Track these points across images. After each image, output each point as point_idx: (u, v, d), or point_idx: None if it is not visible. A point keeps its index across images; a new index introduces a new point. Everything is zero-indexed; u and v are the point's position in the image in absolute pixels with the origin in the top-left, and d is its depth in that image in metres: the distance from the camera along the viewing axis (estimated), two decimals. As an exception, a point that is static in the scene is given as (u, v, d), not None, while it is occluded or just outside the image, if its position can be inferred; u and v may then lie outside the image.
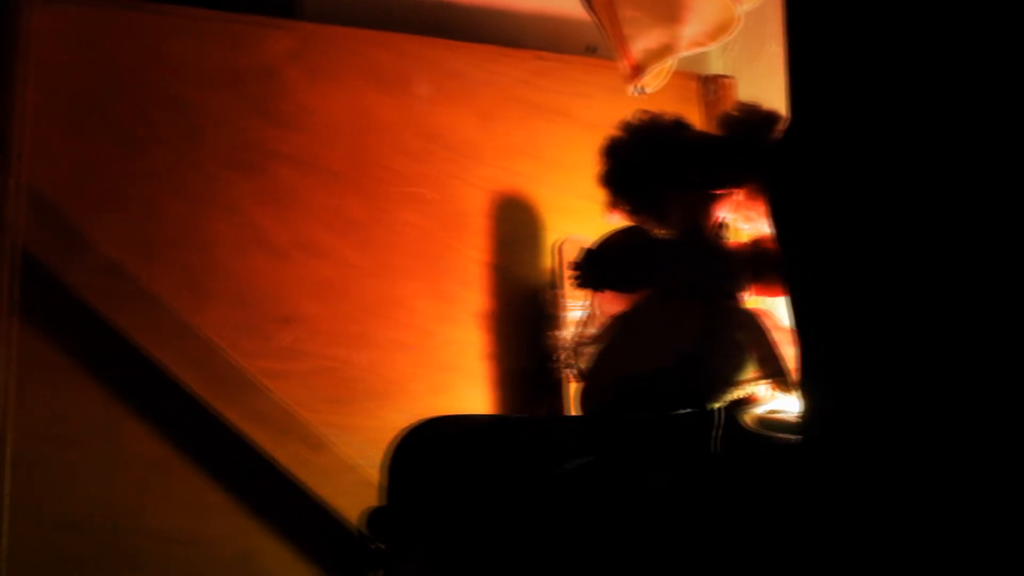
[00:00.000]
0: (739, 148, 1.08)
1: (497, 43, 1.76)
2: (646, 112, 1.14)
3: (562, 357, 1.53)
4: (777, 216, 0.93)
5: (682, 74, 1.75)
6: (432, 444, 1.10)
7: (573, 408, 1.54)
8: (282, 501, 1.46)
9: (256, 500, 1.46)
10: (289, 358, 1.51)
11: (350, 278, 1.57)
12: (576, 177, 1.72)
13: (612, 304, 1.11)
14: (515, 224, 1.68)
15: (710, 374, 1.03)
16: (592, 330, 1.13)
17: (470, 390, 1.59)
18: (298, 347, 1.52)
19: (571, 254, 1.59)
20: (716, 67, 1.94)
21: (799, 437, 1.04)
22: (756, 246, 1.12)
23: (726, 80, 1.83)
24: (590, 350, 1.11)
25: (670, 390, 1.03)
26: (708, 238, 1.10)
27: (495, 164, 1.69)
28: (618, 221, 1.16)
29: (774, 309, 1.11)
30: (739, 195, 1.11)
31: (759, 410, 1.09)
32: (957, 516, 0.68)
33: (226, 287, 1.49)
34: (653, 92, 1.59)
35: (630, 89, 1.58)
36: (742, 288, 1.09)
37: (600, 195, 1.71)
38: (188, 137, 1.50)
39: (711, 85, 1.84)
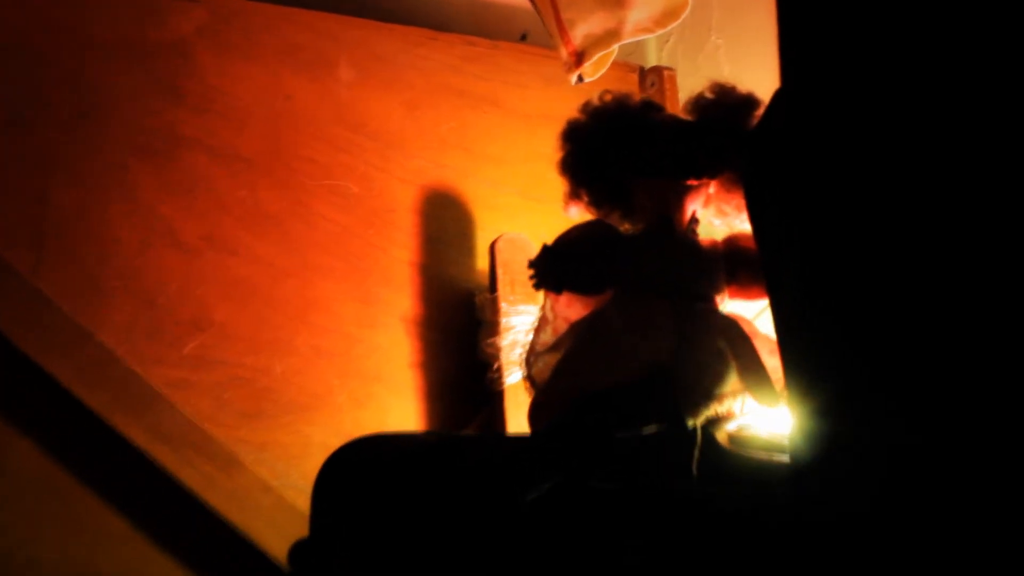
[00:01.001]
0: (714, 133, 0.97)
1: (425, 26, 1.63)
2: (609, 92, 1.03)
3: (504, 366, 1.41)
4: (755, 210, 0.83)
5: (620, 65, 1.66)
6: (367, 468, 0.97)
7: (508, 423, 1.42)
8: (190, 527, 1.31)
9: (161, 526, 1.30)
10: (197, 367, 1.36)
11: (265, 278, 1.42)
12: (510, 171, 1.61)
13: (571, 308, 0.99)
14: (445, 221, 1.56)
15: (687, 387, 0.92)
16: (548, 337, 1.01)
17: (397, 402, 1.46)
18: (208, 355, 1.37)
19: (506, 253, 1.48)
20: (653, 58, 1.85)
21: (783, 458, 0.95)
22: (732, 244, 1.02)
23: (667, 72, 1.73)
24: (547, 360, 0.99)
25: (641, 405, 0.92)
26: (680, 234, 0.99)
27: (423, 156, 1.56)
28: (579, 215, 1.04)
29: (750, 314, 1.00)
30: (713, 186, 1.01)
31: (732, 426, 0.99)
32: (961, 545, 0.62)
33: (127, 287, 1.33)
34: (593, 81, 1.49)
35: (571, 78, 1.48)
36: (718, 291, 0.98)
37: (537, 190, 1.63)
38: (85, 117, 1.34)
39: (651, 77, 1.74)
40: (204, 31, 1.46)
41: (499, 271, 1.47)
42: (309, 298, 1.44)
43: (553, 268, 0.97)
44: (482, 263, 1.53)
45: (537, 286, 0.97)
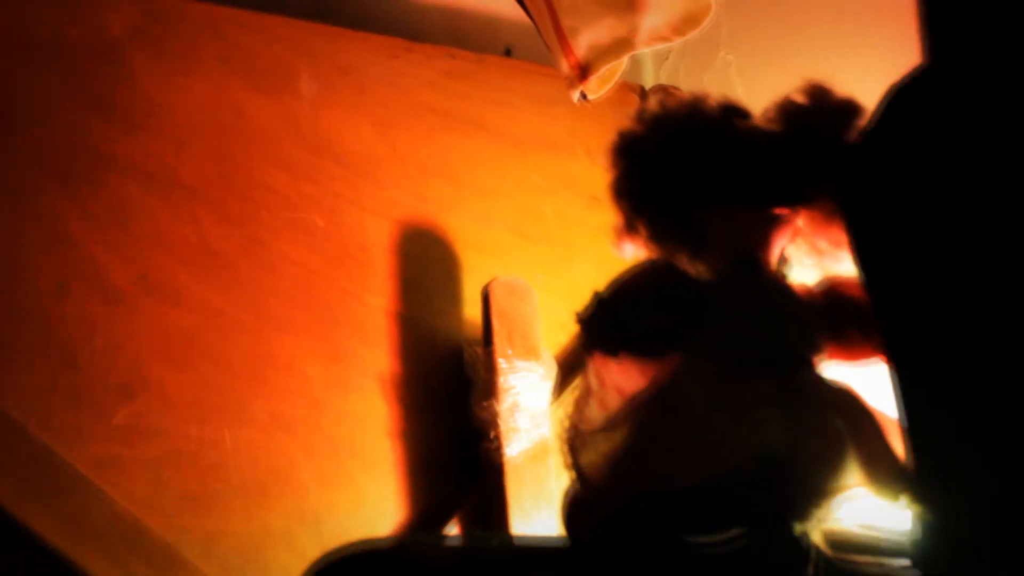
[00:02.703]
0: (809, 147, 0.76)
1: (399, 35, 1.40)
2: (671, 91, 0.81)
3: (503, 434, 1.17)
4: (862, 246, 0.66)
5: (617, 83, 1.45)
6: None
7: (510, 506, 1.18)
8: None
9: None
10: (130, 440, 1.10)
11: (213, 330, 1.18)
12: (500, 204, 1.39)
13: (627, 376, 0.76)
14: (427, 262, 1.33)
15: (798, 482, 0.69)
16: (595, 412, 0.77)
17: (373, 480, 1.22)
18: (142, 424, 1.12)
19: (502, 300, 1.25)
20: (651, 77, 1.65)
21: (908, 568, 0.73)
22: (831, 290, 0.79)
23: (674, 92, 1.52)
24: (598, 444, 0.75)
25: (732, 506, 0.69)
26: (769, 278, 0.77)
27: (400, 186, 1.34)
28: (635, 254, 0.81)
29: (858, 382, 0.78)
30: (804, 217, 0.79)
31: (839, 523, 0.76)
32: None
33: (42, 342, 1.08)
34: (597, 101, 1.29)
35: (572, 95, 1.27)
36: (819, 352, 0.75)
37: (533, 226, 1.41)
38: (-7, 131, 1.09)
39: (656, 98, 1.52)
40: (137, 33, 1.22)
41: (494, 321, 1.24)
42: (266, 354, 1.20)
43: (608, 324, 0.74)
44: (472, 311, 1.30)
45: (588, 346, 0.74)
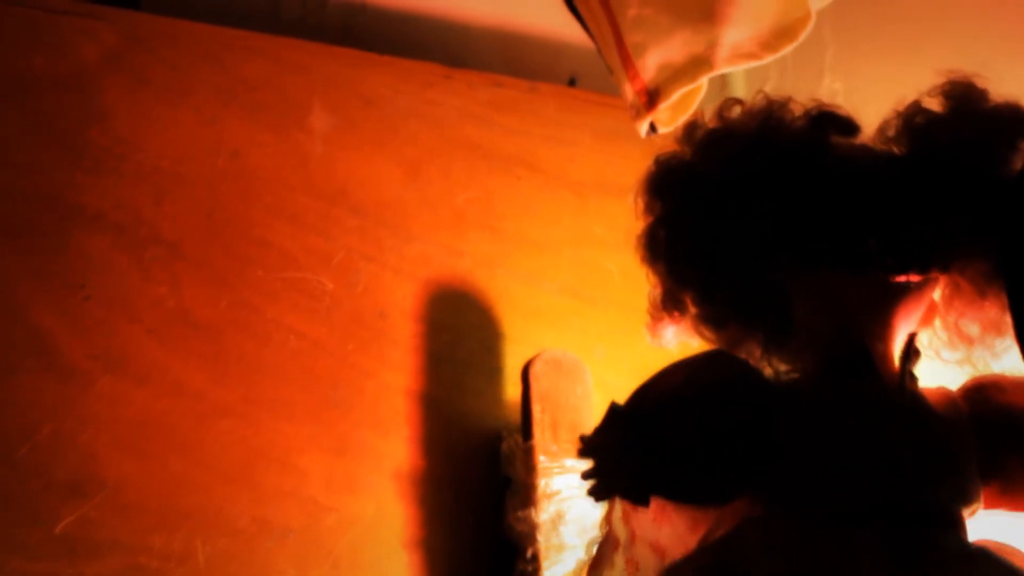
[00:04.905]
0: (952, 180, 0.50)
1: (435, 61, 1.19)
2: (738, 100, 0.57)
3: (541, 552, 0.93)
4: None
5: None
6: None
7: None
8: None
9: None
10: (75, 553, 0.89)
11: (188, 417, 0.97)
12: (555, 261, 1.16)
13: (665, 526, 0.51)
14: (461, 332, 1.10)
15: None
16: (619, 574, 0.52)
17: (386, 604, 0.98)
18: (94, 534, 0.92)
19: (546, 380, 1.02)
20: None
21: None
22: (987, 402, 0.53)
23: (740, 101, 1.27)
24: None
25: None
26: (887, 383, 0.51)
27: (430, 239, 1.11)
28: (678, 339, 0.56)
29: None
30: (945, 287, 0.53)
31: None
32: None
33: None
34: (668, 133, 1.06)
35: (640, 127, 1.04)
36: (968, 499, 0.49)
37: (592, 287, 1.17)
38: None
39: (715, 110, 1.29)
40: (115, 61, 1.02)
41: (535, 407, 1.00)
42: (254, 446, 0.99)
43: (631, 458, 0.49)
44: (513, 393, 1.06)
45: (598, 493, 0.50)
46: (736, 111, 0.58)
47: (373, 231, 1.09)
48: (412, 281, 1.09)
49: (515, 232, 1.16)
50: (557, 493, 0.95)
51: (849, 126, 0.58)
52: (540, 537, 0.95)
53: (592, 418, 1.02)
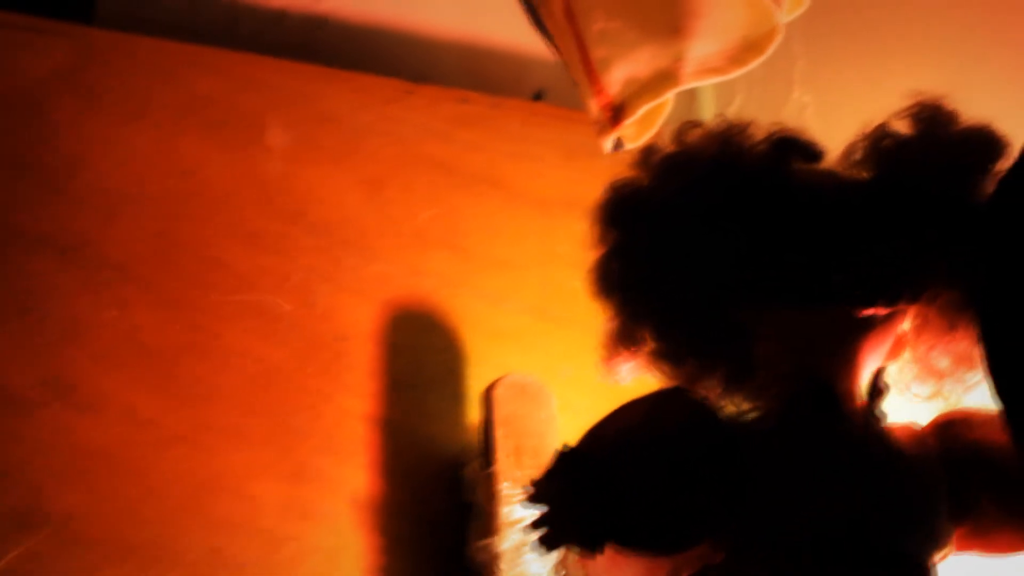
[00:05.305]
0: (920, 206, 0.48)
1: (400, 76, 1.17)
2: (696, 123, 0.55)
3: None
4: (1010, 366, 0.43)
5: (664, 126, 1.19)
6: None
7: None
8: None
9: None
10: (22, 591, 0.86)
11: (140, 446, 0.94)
12: (519, 280, 1.14)
13: (621, 572, 0.48)
14: (423, 354, 1.07)
15: None
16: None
17: (345, 638, 0.96)
18: (40, 569, 0.88)
19: (508, 405, 0.99)
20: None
21: None
22: (957, 439, 0.51)
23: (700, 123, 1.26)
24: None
25: None
26: (853, 421, 0.49)
27: (391, 258, 1.08)
28: (633, 375, 0.54)
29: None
30: (913, 319, 0.51)
31: None
32: None
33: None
34: (635, 148, 1.03)
35: (605, 143, 1.02)
36: (938, 544, 0.47)
37: (558, 308, 1.15)
38: None
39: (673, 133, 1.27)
40: (65, 77, 1.00)
41: (497, 432, 0.97)
42: (208, 475, 0.96)
43: (584, 504, 0.47)
44: (476, 417, 1.04)
45: (549, 542, 0.47)
46: (695, 135, 0.56)
47: (332, 251, 1.06)
48: (372, 302, 1.06)
49: (479, 251, 1.13)
50: (520, 521, 0.93)
51: (811, 152, 0.56)
52: (503, 566, 0.92)
53: (557, 443, 1.00)
